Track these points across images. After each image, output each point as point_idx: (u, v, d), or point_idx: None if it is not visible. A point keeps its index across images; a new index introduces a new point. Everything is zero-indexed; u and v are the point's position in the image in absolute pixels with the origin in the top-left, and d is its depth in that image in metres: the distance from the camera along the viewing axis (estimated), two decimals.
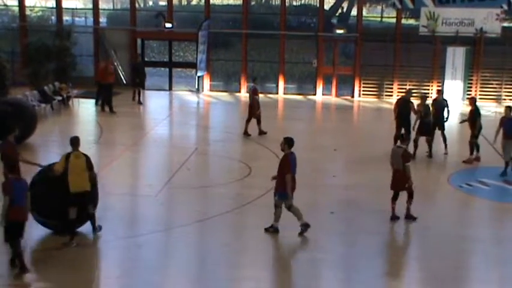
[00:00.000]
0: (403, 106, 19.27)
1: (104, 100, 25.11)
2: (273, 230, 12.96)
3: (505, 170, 17.13)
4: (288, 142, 12.87)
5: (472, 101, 19.19)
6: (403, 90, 28.93)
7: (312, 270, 11.73)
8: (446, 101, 19.86)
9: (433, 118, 18.97)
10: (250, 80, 23.08)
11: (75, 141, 12.52)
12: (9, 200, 10.77)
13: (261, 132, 21.28)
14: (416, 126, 18.70)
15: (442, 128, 19.14)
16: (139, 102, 26.74)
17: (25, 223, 11.09)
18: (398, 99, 20.52)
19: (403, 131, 18.38)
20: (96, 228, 12.72)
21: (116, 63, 29.93)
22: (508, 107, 17.77)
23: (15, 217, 10.84)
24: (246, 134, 21.28)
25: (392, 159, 13.80)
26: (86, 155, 12.53)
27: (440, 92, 20.94)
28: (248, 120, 21.32)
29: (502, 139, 17.25)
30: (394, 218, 13.78)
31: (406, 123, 18.89)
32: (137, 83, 26.96)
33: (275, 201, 12.96)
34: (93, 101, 26.08)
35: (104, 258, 12.28)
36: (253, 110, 21.39)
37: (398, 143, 14.29)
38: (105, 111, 24.73)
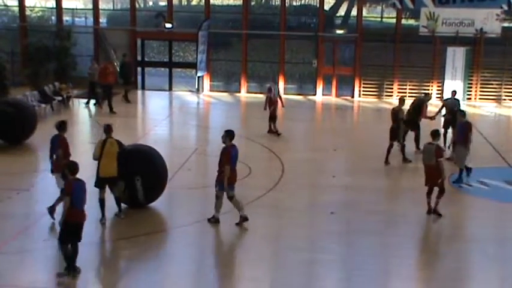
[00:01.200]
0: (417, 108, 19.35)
1: (98, 98, 25.59)
2: (214, 221, 13.25)
3: (460, 176, 16.60)
4: (229, 135, 13.14)
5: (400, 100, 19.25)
6: (404, 91, 29.14)
7: (311, 270, 11.72)
8: (458, 101, 19.79)
9: (447, 116, 19.36)
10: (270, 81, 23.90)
11: (108, 129, 13.39)
12: (70, 201, 10.68)
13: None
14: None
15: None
16: (127, 101, 26.94)
17: (83, 225, 10.99)
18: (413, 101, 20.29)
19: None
20: (121, 210, 13.54)
21: (116, 64, 29.93)
22: (460, 109, 17.30)
23: (74, 219, 10.75)
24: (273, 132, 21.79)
25: (424, 155, 14.09)
26: (118, 142, 13.44)
27: (454, 93, 20.24)
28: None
29: (456, 146, 16.93)
30: (430, 211, 14.05)
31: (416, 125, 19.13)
32: (123, 82, 27.33)
33: (216, 192, 13.18)
34: (92, 101, 26.16)
35: (103, 258, 12.27)
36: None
37: (431, 139, 14.26)
38: (102, 108, 24.85)
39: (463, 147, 16.42)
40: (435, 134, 14.27)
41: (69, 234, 10.77)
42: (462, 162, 16.52)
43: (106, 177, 13.21)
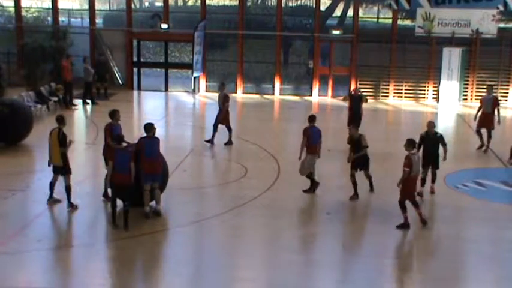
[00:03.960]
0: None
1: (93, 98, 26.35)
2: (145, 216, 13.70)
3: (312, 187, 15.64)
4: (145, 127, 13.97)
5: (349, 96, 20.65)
6: (400, 92, 29.21)
7: (308, 271, 11.72)
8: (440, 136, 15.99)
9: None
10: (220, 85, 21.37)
11: (58, 119, 14.28)
12: (112, 166, 12.94)
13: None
14: None
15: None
16: (105, 97, 27.50)
17: (127, 188, 12.90)
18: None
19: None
20: (70, 201, 14.16)
21: (111, 64, 29.97)
22: (311, 116, 15.76)
23: (116, 181, 12.93)
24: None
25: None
26: (60, 132, 14.10)
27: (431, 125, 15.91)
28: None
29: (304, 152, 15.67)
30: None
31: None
32: (97, 78, 27.65)
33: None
34: (88, 101, 26.20)
35: (102, 258, 12.24)
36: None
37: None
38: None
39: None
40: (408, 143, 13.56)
41: (114, 194, 13.17)
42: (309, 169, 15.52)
43: (54, 165, 14.14)
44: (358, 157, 15.22)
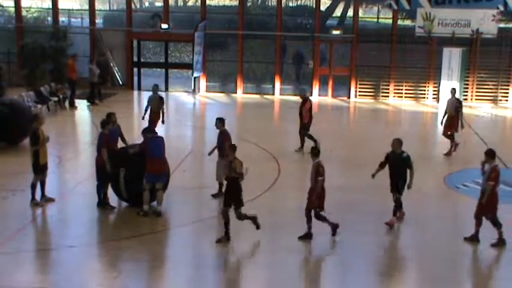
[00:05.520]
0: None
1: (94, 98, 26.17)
2: (143, 214, 13.80)
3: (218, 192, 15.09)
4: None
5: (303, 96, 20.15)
6: (400, 92, 29.20)
7: (307, 270, 11.72)
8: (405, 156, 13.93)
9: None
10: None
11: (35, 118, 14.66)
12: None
13: None
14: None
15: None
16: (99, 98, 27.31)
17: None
18: None
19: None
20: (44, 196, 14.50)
21: (112, 64, 29.98)
22: (219, 118, 15.52)
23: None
24: None
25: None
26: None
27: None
28: None
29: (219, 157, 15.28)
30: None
31: None
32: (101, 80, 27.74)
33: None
34: (97, 101, 26.36)
35: (102, 258, 12.25)
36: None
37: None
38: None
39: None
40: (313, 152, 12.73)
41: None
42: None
43: (45, 164, 14.33)
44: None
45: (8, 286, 10.65)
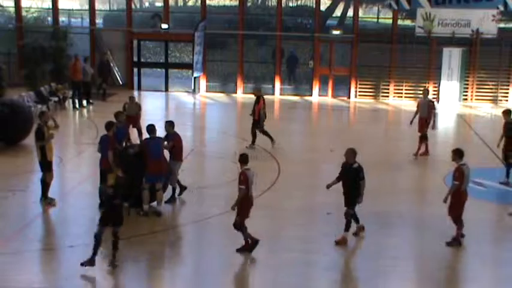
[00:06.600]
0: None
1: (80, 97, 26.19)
2: (143, 214, 13.85)
3: (175, 195, 15.06)
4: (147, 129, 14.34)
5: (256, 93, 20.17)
6: (400, 92, 29.20)
7: (307, 271, 11.72)
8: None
9: None
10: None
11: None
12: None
13: None
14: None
15: None
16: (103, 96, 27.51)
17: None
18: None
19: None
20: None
21: (112, 64, 29.99)
22: (168, 121, 15.33)
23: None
24: None
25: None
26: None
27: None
28: None
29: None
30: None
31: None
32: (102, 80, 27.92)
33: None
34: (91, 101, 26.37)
35: (102, 258, 12.24)
36: None
37: None
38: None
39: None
40: None
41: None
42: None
43: (51, 162, 14.42)
44: None
45: (8, 286, 10.65)
